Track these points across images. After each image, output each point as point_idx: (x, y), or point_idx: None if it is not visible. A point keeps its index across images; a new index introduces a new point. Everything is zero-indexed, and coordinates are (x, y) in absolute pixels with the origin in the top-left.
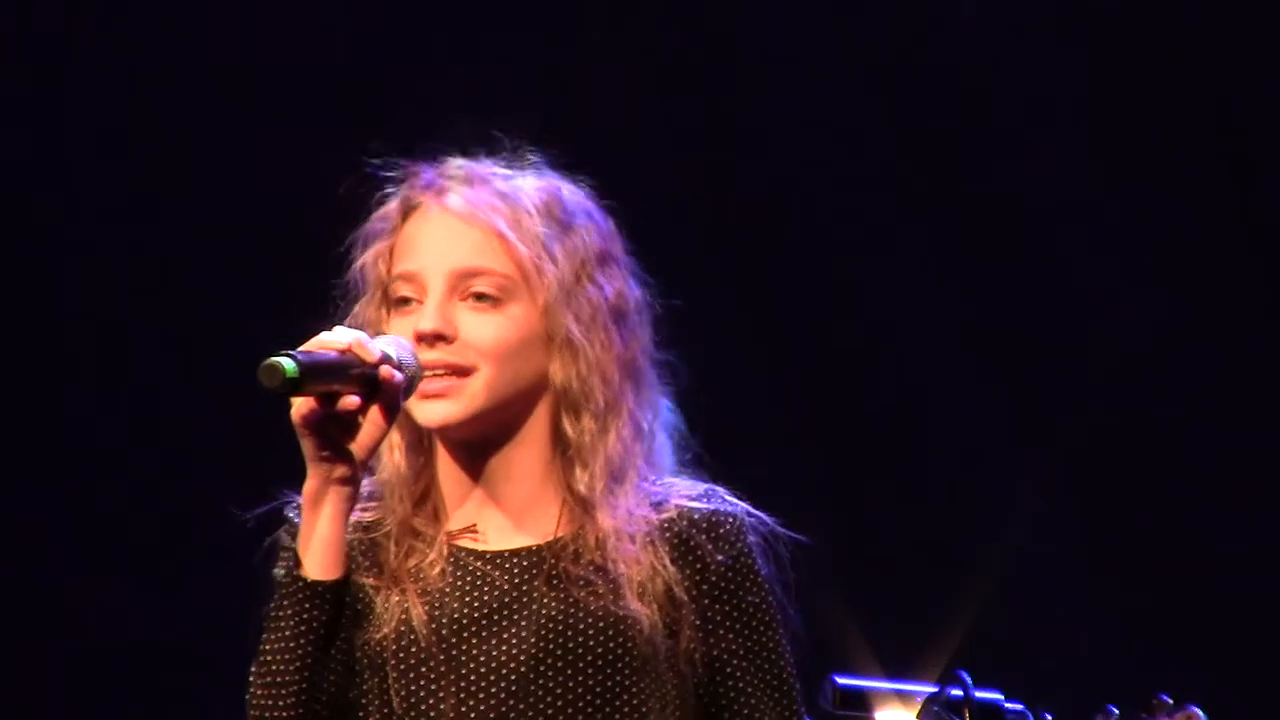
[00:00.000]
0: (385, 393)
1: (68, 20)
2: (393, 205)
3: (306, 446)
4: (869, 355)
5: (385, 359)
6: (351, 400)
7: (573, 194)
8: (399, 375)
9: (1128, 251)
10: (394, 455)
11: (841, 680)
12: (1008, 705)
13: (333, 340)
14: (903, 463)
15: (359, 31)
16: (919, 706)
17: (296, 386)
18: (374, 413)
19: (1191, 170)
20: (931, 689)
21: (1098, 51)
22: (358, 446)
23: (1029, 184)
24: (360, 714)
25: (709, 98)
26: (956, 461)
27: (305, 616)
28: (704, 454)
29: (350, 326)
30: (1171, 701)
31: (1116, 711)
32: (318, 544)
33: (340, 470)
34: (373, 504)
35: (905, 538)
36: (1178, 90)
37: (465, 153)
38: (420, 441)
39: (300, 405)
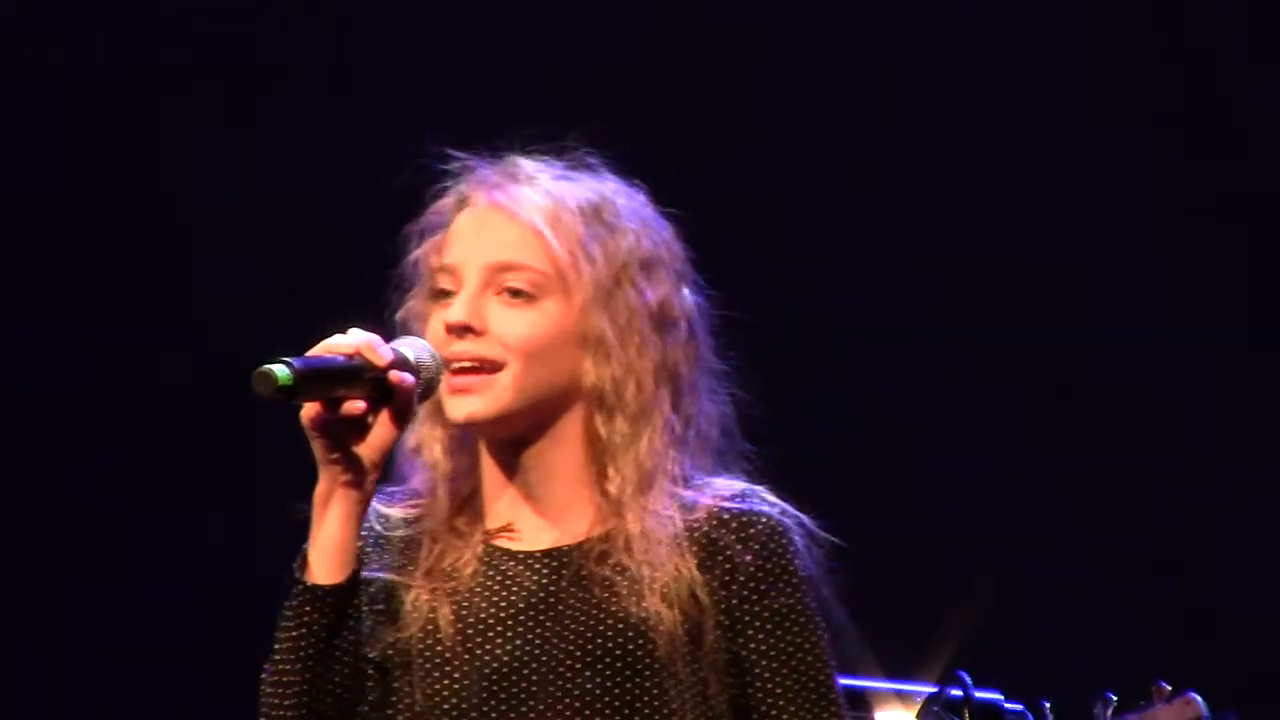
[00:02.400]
0: (397, 397)
1: (68, 20)
2: (448, 200)
3: (316, 449)
4: (868, 355)
5: (397, 362)
6: (355, 405)
7: (628, 199)
8: (409, 379)
9: (1128, 251)
10: (434, 451)
11: (841, 681)
12: (1008, 705)
13: (340, 344)
14: (902, 462)
15: (358, 30)
16: (919, 706)
17: (292, 394)
18: (384, 416)
19: (1191, 175)
20: (931, 689)
21: (1098, 51)
22: (368, 449)
23: (1029, 183)
24: (390, 712)
25: (709, 97)
26: (956, 461)
27: (305, 619)
28: (756, 464)
29: (401, 318)
30: (1170, 688)
31: (1115, 699)
32: (324, 547)
33: (350, 473)
34: (420, 501)
35: (905, 538)
36: (1178, 98)
37: (528, 152)
38: (464, 442)
39: (308, 408)
